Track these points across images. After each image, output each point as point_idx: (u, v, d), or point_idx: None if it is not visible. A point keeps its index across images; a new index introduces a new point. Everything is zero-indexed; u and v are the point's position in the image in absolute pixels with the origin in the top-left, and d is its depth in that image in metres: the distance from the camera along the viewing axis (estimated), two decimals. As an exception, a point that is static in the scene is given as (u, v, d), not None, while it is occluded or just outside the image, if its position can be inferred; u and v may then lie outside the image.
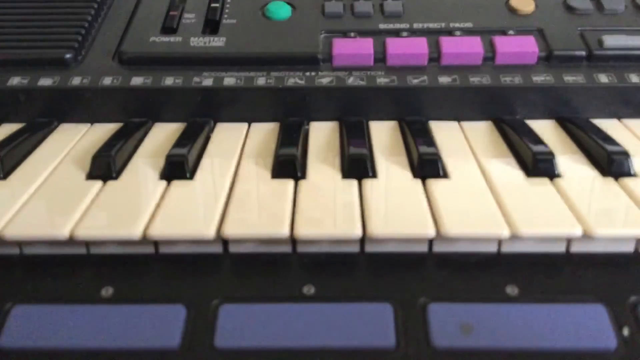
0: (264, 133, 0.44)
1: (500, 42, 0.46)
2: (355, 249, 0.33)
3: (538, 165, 0.37)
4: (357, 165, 0.38)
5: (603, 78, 0.44)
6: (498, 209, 0.33)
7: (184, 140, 0.41)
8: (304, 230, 0.32)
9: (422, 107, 0.45)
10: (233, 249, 0.33)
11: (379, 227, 0.32)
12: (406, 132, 0.43)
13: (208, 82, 0.45)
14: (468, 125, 0.45)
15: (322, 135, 0.43)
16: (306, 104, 0.45)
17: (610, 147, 0.38)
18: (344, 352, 0.27)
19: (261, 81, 0.45)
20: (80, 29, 0.48)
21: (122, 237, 0.32)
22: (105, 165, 0.38)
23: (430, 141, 0.41)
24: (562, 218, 0.33)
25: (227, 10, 0.51)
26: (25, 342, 0.28)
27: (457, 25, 0.48)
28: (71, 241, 0.32)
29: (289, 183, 0.36)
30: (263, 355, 0.27)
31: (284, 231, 0.32)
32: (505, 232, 0.32)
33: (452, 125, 0.45)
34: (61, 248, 0.33)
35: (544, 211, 0.33)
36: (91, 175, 0.38)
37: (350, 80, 0.45)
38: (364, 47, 0.46)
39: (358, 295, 0.30)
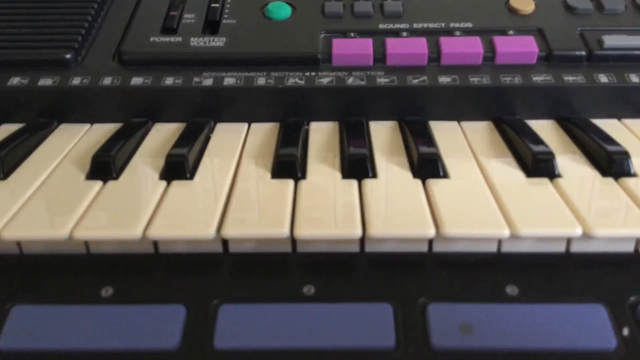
0: (264, 133, 0.44)
1: (500, 42, 0.46)
2: (355, 249, 0.33)
3: (538, 165, 0.37)
4: (357, 165, 0.38)
5: (603, 78, 0.44)
6: (498, 209, 0.33)
7: (184, 140, 0.41)
8: (304, 230, 0.32)
9: (422, 107, 0.45)
10: (233, 249, 0.34)
11: (379, 227, 0.32)
12: (406, 132, 0.43)
13: (208, 82, 0.45)
14: (468, 125, 0.44)
15: (322, 135, 0.43)
16: (306, 104, 0.45)
17: (610, 147, 0.38)
18: (344, 352, 0.27)
19: (261, 81, 0.45)
20: (80, 29, 0.48)
21: (122, 237, 0.32)
22: (105, 166, 0.38)
23: (430, 141, 0.41)
24: (562, 218, 0.33)
25: (227, 11, 0.51)
26: (25, 342, 0.28)
27: (457, 25, 0.48)
28: (71, 241, 0.32)
29: (289, 183, 0.36)
30: (263, 356, 0.27)
31: (284, 231, 0.32)
32: (505, 232, 0.32)
33: (452, 125, 0.45)
34: (61, 248, 0.33)
35: (544, 211, 0.33)
36: (91, 176, 0.38)
37: (350, 81, 0.45)
38: (363, 47, 0.46)
39: (358, 295, 0.30)
